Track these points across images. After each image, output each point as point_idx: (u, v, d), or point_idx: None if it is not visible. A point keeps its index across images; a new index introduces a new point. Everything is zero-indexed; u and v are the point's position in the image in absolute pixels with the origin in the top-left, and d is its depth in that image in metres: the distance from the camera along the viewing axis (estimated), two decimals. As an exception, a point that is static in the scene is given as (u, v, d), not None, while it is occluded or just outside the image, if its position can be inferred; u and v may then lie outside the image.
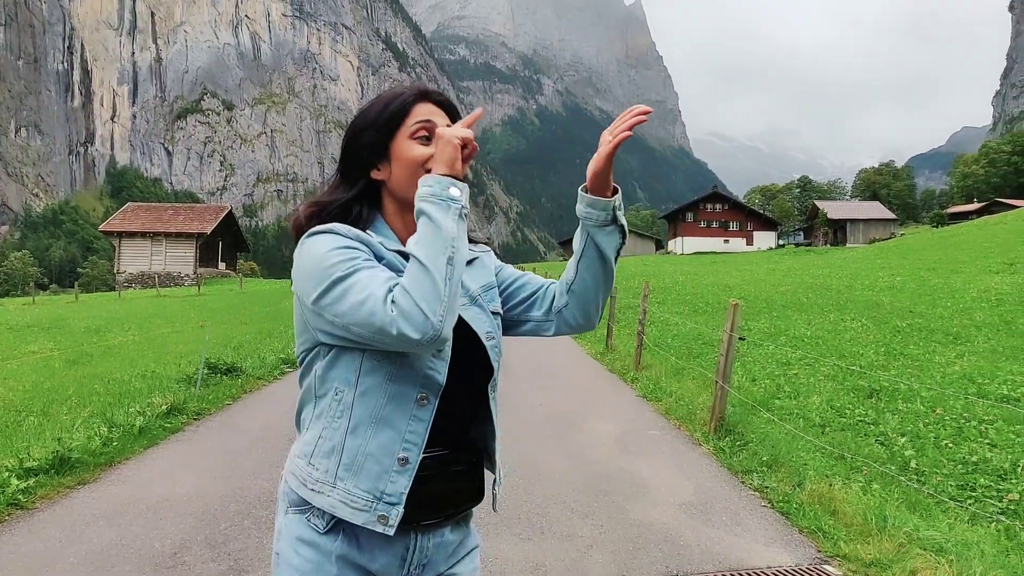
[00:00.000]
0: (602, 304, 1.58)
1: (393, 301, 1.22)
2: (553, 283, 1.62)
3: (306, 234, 1.36)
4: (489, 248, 1.67)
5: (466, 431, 1.49)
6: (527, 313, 1.61)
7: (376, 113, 1.43)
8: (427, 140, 1.41)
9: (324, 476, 1.37)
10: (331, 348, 1.38)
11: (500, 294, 1.59)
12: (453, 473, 1.43)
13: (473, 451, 1.50)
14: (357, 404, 1.36)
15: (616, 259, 1.50)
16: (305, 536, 1.39)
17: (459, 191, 1.30)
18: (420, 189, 1.31)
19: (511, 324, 1.62)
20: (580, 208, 1.45)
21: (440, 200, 1.28)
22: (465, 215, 1.30)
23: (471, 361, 1.45)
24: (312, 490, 1.38)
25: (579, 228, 1.49)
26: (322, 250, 1.31)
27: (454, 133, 1.34)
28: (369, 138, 1.43)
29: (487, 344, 1.46)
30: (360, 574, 1.40)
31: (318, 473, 1.38)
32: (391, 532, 1.35)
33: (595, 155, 1.41)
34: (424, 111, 1.43)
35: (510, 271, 1.65)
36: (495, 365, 1.48)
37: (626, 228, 1.49)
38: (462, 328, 1.42)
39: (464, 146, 1.35)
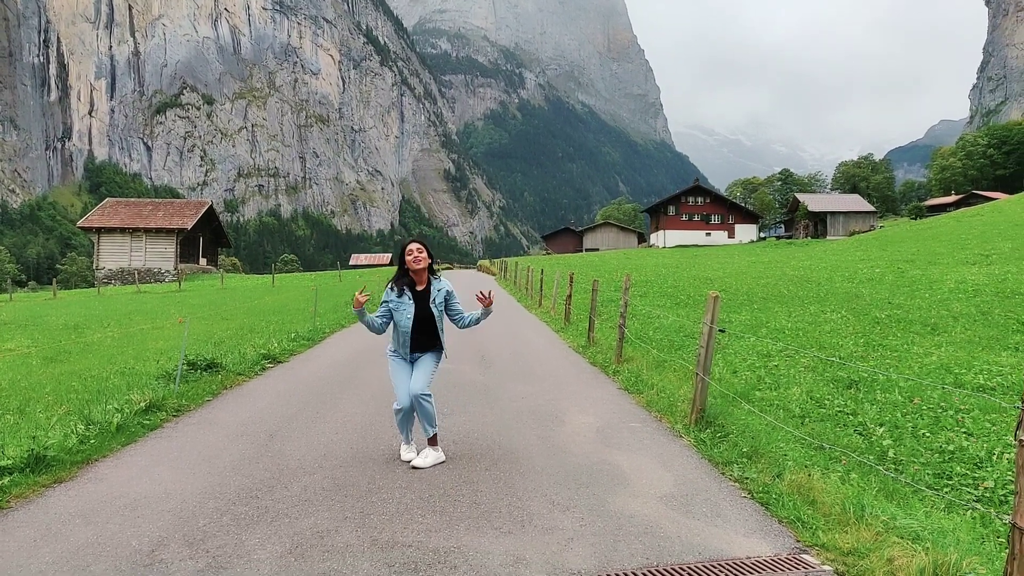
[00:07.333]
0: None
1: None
2: (461, 316, 5.81)
3: None
4: (448, 285, 5.79)
5: (430, 341, 5.74)
6: (451, 318, 5.87)
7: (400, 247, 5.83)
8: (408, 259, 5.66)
9: (393, 346, 5.79)
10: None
11: (446, 306, 5.77)
12: (423, 345, 5.73)
13: (432, 346, 5.78)
14: (393, 335, 5.77)
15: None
16: (390, 355, 5.81)
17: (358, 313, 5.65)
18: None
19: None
20: (482, 319, 6.00)
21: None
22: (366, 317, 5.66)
23: (430, 321, 5.66)
24: (392, 350, 5.79)
25: (477, 317, 5.90)
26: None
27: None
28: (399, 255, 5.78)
29: (435, 314, 5.67)
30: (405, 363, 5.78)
31: (392, 345, 5.79)
32: (409, 358, 5.75)
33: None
34: (412, 247, 5.65)
35: (454, 303, 5.80)
36: (437, 324, 5.69)
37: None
38: (427, 311, 5.65)
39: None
